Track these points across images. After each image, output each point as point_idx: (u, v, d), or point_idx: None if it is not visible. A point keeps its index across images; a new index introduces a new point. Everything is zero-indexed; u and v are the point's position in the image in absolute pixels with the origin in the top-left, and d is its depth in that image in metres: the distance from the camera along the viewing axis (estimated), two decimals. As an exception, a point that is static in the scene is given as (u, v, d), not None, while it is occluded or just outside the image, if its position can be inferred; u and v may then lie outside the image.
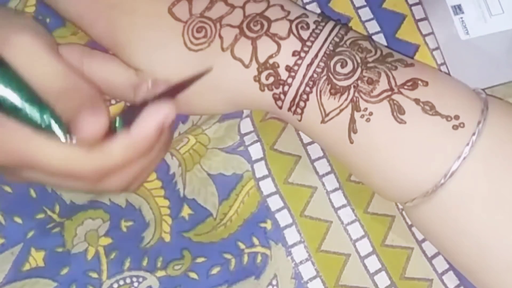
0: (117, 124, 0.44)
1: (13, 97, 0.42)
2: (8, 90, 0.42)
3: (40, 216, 0.51)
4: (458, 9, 0.54)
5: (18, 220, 0.51)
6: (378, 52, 0.48)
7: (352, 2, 0.56)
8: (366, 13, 0.55)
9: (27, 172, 0.45)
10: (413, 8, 0.56)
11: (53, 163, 0.43)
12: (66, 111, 0.43)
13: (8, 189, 0.52)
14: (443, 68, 0.54)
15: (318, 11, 0.55)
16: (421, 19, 0.56)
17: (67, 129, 0.43)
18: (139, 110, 0.44)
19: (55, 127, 0.43)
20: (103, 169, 0.44)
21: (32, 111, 0.42)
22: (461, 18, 0.54)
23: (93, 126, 0.42)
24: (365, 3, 0.56)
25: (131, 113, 0.44)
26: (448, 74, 0.54)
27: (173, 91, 0.46)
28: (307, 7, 0.55)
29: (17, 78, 0.42)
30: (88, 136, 0.42)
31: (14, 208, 0.51)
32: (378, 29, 0.55)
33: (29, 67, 0.43)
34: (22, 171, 0.45)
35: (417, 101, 0.46)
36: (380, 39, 0.55)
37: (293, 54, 0.47)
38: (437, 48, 0.55)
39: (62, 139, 0.43)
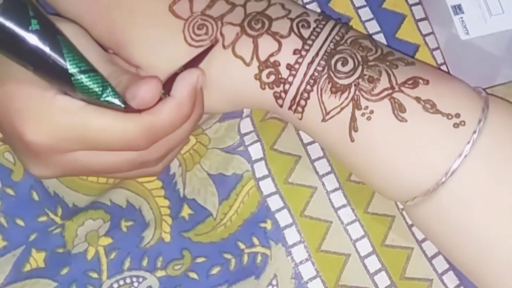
0: (161, 96, 0.46)
1: (77, 66, 0.43)
2: (72, 58, 0.43)
3: (43, 219, 0.51)
4: (458, 9, 0.54)
5: (20, 222, 0.51)
6: (379, 51, 0.48)
7: (352, 2, 0.56)
8: (366, 13, 0.55)
9: (80, 154, 0.46)
10: (413, 8, 0.56)
11: (109, 129, 0.44)
12: (118, 87, 0.45)
13: (10, 191, 0.51)
14: (443, 68, 0.55)
15: (318, 11, 0.55)
16: (421, 19, 0.56)
17: (123, 100, 0.45)
18: (173, 80, 0.46)
19: (113, 95, 0.44)
20: (153, 129, 0.45)
21: (93, 81, 0.44)
22: (461, 18, 0.54)
23: (149, 94, 0.44)
24: (365, 3, 0.56)
25: (169, 85, 0.46)
26: (448, 74, 0.54)
27: (194, 62, 0.48)
28: (307, 7, 0.55)
29: (78, 50, 0.44)
30: (144, 101, 0.44)
31: (16, 211, 0.51)
32: (378, 29, 0.55)
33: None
34: (75, 155, 0.46)
35: (418, 99, 0.46)
36: (380, 39, 0.55)
37: (294, 53, 0.47)
38: (437, 48, 0.55)
39: (119, 104, 0.44)
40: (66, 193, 0.52)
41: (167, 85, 0.46)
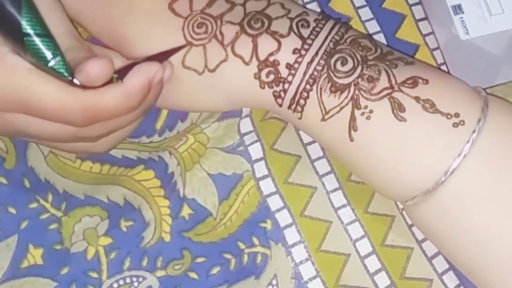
0: (114, 81, 0.45)
1: (33, 28, 0.43)
2: (30, 19, 0.43)
3: (33, 205, 0.51)
4: (458, 9, 0.54)
5: (12, 210, 0.51)
6: (378, 50, 0.48)
7: (352, 2, 0.56)
8: (366, 13, 0.56)
9: (17, 116, 0.45)
10: (413, 8, 0.56)
11: (49, 98, 0.43)
12: (73, 61, 0.45)
13: (3, 180, 0.52)
14: (443, 68, 0.55)
15: (318, 10, 0.55)
16: (421, 19, 0.56)
17: (72, 73, 0.44)
18: (131, 69, 0.46)
19: (61, 65, 0.44)
20: (92, 109, 0.44)
21: (46, 46, 0.44)
22: (461, 18, 0.54)
23: (96, 70, 0.44)
24: (365, 3, 0.56)
25: (125, 72, 0.46)
26: (448, 73, 0.54)
27: (159, 58, 0.47)
28: (307, 6, 0.55)
29: (39, 14, 0.44)
30: (89, 75, 0.44)
31: (9, 199, 0.51)
32: (378, 29, 0.55)
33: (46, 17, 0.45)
34: (12, 116, 0.45)
35: (417, 99, 0.46)
36: (380, 39, 0.55)
37: (294, 52, 0.47)
38: (437, 48, 0.55)
39: (66, 75, 0.44)
40: (57, 179, 0.52)
41: (124, 71, 0.45)
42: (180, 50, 0.48)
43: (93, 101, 0.44)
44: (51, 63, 0.44)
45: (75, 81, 0.44)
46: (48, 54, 0.44)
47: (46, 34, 0.44)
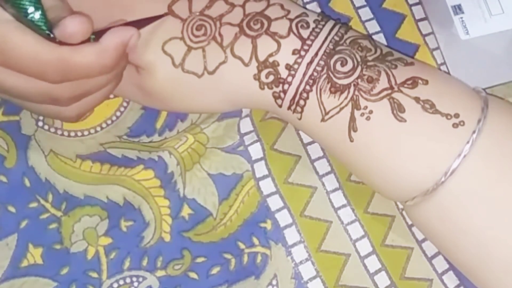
0: (91, 41, 0.46)
1: None
2: None
3: (33, 205, 0.51)
4: (458, 9, 0.54)
5: (11, 209, 0.51)
6: (378, 51, 0.48)
7: (352, 2, 0.56)
8: (366, 13, 0.56)
9: None
10: (413, 8, 0.56)
11: (24, 47, 0.43)
12: (54, 19, 0.45)
13: (3, 178, 0.52)
14: (443, 68, 0.55)
15: (318, 10, 0.55)
16: (421, 19, 0.56)
17: (51, 29, 0.45)
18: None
19: (41, 19, 0.44)
20: (66, 63, 0.44)
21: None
22: (461, 18, 0.54)
23: (74, 26, 0.44)
24: (365, 3, 0.56)
25: (102, 34, 0.46)
26: (448, 74, 0.54)
27: (138, 24, 0.48)
28: (307, 6, 0.55)
29: None
30: (66, 30, 0.44)
31: (9, 198, 0.51)
32: (378, 29, 0.55)
33: None
34: None
35: (417, 99, 0.46)
36: (380, 39, 0.55)
37: (293, 53, 0.47)
38: (437, 48, 0.55)
39: (44, 29, 0.44)
40: (58, 179, 0.52)
41: (102, 34, 0.46)
42: (159, 19, 0.48)
43: (67, 56, 0.44)
44: (31, 16, 0.44)
45: (52, 36, 0.44)
46: (28, 7, 0.44)
47: None
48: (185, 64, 0.48)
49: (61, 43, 0.44)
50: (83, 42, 0.45)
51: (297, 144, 0.53)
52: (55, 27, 0.44)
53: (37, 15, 0.44)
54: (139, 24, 0.48)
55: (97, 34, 0.46)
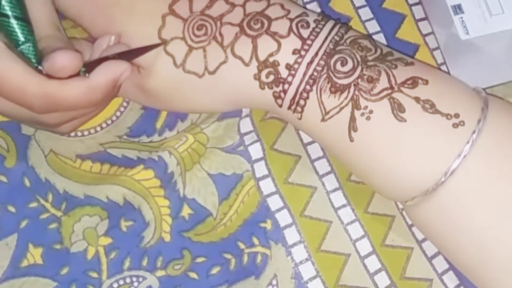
0: (81, 74, 0.46)
1: (12, 9, 0.44)
2: (10, 1, 0.44)
3: (33, 205, 0.51)
4: (458, 9, 0.54)
5: (11, 209, 0.51)
6: (378, 51, 0.48)
7: (352, 2, 0.56)
8: (366, 13, 0.56)
9: None
10: (413, 8, 0.56)
11: (12, 77, 0.44)
12: (46, 49, 0.45)
13: (3, 178, 0.52)
14: (443, 68, 0.55)
15: (318, 10, 0.55)
16: (421, 19, 0.56)
17: (40, 61, 0.45)
18: (100, 64, 0.46)
19: (31, 51, 0.45)
20: (53, 98, 0.44)
21: (20, 29, 0.44)
22: (461, 18, 0.54)
23: (63, 61, 0.44)
24: (365, 3, 0.56)
25: (93, 66, 0.46)
26: (448, 74, 0.54)
27: (130, 54, 0.48)
28: (307, 6, 0.55)
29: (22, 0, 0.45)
30: (54, 65, 0.44)
31: (9, 198, 0.51)
32: (378, 29, 0.55)
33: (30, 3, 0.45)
34: None
35: (417, 99, 0.46)
36: (380, 39, 0.55)
37: (293, 53, 0.47)
38: (437, 48, 0.55)
39: (33, 61, 0.45)
40: (58, 179, 0.52)
41: (94, 66, 0.46)
42: (155, 48, 0.48)
43: (54, 90, 0.44)
44: (21, 47, 0.44)
45: (41, 68, 0.45)
46: (21, 38, 0.44)
47: (23, 18, 0.44)
48: (186, 64, 0.48)
49: (50, 76, 0.44)
50: (73, 75, 0.45)
51: (297, 144, 0.53)
52: (45, 60, 0.44)
53: (27, 47, 0.45)
54: (133, 54, 0.48)
55: (88, 66, 0.46)
